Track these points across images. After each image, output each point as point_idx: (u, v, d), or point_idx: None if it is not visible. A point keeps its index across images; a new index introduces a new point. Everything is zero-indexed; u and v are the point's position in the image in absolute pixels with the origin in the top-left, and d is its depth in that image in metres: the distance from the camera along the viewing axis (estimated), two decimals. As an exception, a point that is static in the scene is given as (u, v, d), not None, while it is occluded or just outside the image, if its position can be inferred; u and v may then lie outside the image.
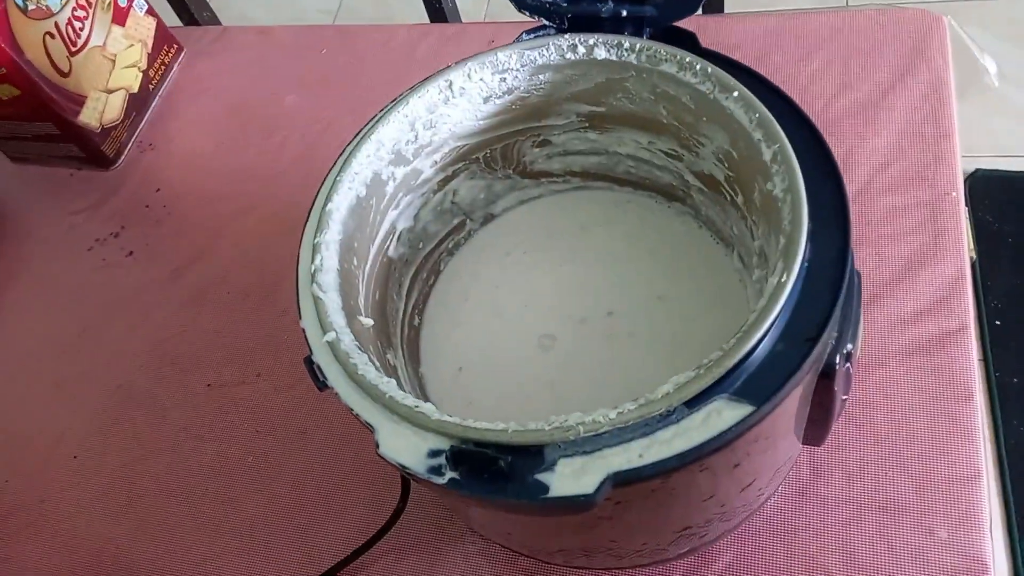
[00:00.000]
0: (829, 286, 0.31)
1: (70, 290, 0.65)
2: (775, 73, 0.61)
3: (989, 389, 1.08)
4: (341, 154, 0.39)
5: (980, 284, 1.15)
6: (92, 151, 0.68)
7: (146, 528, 0.52)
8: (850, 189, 0.54)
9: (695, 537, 0.38)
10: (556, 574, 0.44)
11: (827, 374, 0.32)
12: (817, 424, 0.37)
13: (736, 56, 0.63)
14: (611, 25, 0.38)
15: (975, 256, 1.24)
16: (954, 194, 0.52)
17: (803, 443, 0.39)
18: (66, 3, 0.62)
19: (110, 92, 0.68)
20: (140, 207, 0.69)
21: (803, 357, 0.29)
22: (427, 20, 0.80)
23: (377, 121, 0.38)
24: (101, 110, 0.68)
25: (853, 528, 0.43)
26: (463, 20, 0.82)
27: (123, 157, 0.71)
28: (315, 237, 0.36)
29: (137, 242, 0.67)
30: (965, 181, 1.23)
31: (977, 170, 1.25)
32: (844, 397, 0.37)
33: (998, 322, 1.12)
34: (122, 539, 0.52)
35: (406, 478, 0.43)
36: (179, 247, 0.65)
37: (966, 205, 1.23)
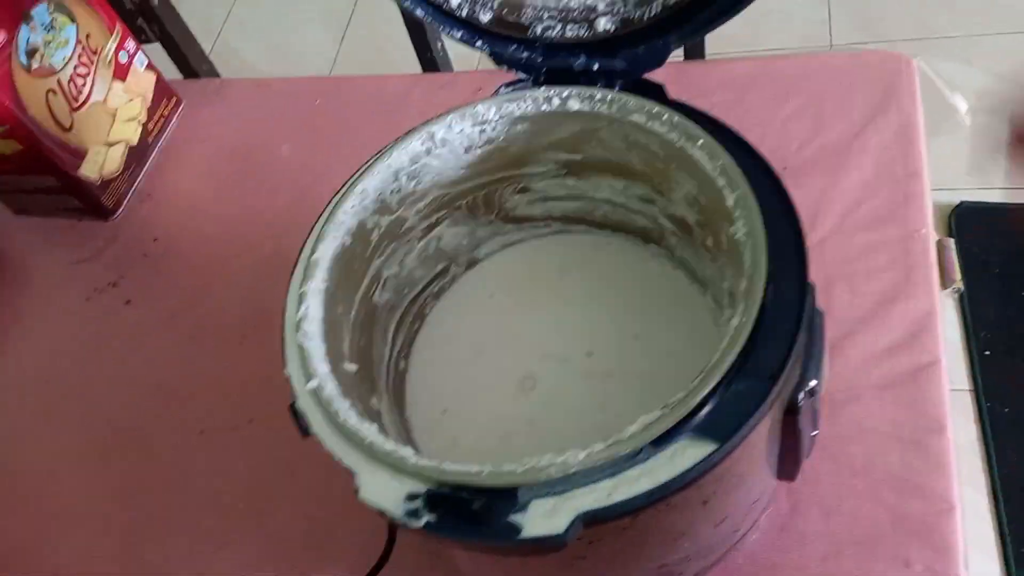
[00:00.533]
0: (789, 326, 0.32)
1: (68, 338, 0.67)
2: (752, 115, 0.63)
3: (980, 419, 1.09)
4: (328, 204, 0.40)
5: (968, 315, 1.16)
6: (92, 203, 0.70)
7: (140, 571, 0.53)
8: (825, 227, 0.56)
9: (674, 575, 0.39)
10: (542, 612, 0.45)
11: (791, 411, 0.34)
12: (788, 459, 0.38)
13: (715, 99, 0.66)
14: (584, 77, 0.40)
15: (962, 287, 1.25)
16: (924, 231, 0.54)
17: (777, 478, 0.40)
18: (68, 61, 0.65)
19: (110, 145, 0.70)
20: (138, 256, 0.71)
21: (764, 395, 0.31)
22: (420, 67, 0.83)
23: (362, 172, 0.40)
24: (101, 163, 0.70)
25: (831, 562, 0.44)
26: (455, 69, 0.85)
27: (122, 207, 0.73)
28: (301, 286, 0.37)
29: (135, 291, 0.68)
30: (951, 213, 1.25)
31: (963, 202, 1.27)
32: (813, 432, 0.38)
33: (987, 352, 1.13)
34: (116, 583, 0.53)
35: (392, 527, 0.44)
36: (175, 293, 0.67)
37: (951, 236, 1.25)
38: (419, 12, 0.40)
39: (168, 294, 0.67)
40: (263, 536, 0.52)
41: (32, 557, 0.55)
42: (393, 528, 0.44)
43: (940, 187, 1.27)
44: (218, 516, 0.54)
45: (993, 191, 1.26)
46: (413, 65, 0.96)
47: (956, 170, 1.28)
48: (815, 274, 0.54)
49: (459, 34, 0.40)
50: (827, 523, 0.45)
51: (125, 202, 0.73)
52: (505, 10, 0.39)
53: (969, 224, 1.25)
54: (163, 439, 0.58)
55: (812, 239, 0.54)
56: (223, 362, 0.61)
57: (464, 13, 0.39)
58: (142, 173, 0.75)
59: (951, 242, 1.31)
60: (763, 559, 0.44)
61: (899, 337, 0.50)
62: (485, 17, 0.39)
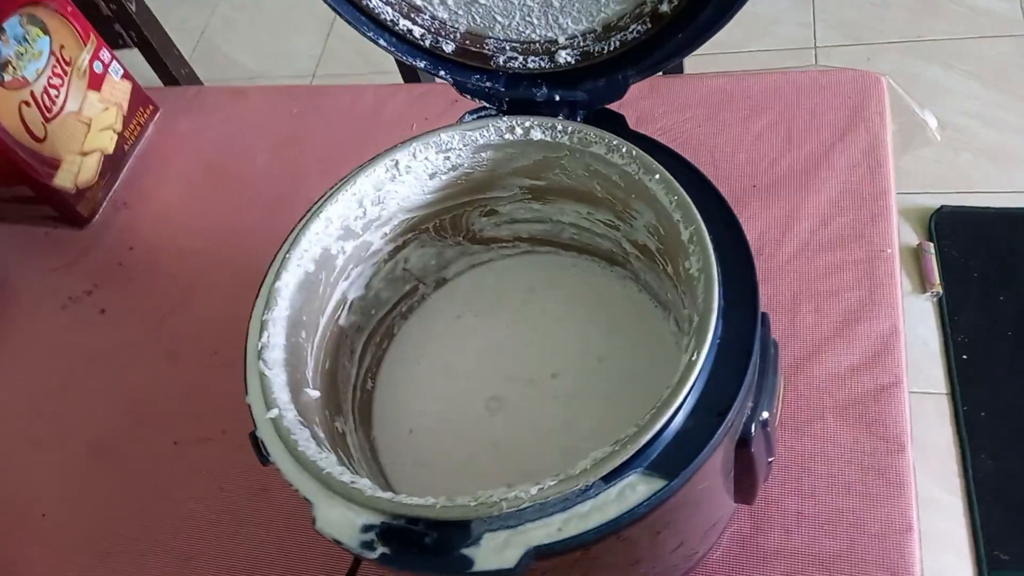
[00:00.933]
0: (739, 362, 0.33)
1: (43, 347, 0.67)
2: (724, 131, 0.64)
3: (956, 422, 1.10)
4: (292, 230, 0.41)
5: (947, 319, 1.17)
6: (67, 211, 0.70)
7: (112, 586, 0.53)
8: (793, 245, 0.57)
9: (632, 597, 0.39)
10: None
11: (743, 443, 0.34)
12: (744, 485, 0.38)
13: (688, 114, 0.66)
14: (547, 107, 0.41)
15: (941, 291, 1.26)
16: (889, 251, 0.54)
17: (736, 502, 0.41)
18: (42, 72, 0.65)
19: (85, 155, 0.70)
20: (113, 265, 0.71)
21: (714, 430, 0.31)
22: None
23: (326, 200, 0.41)
24: (76, 172, 0.70)
25: (791, 580, 0.45)
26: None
27: (98, 216, 0.73)
28: (263, 314, 0.37)
29: (110, 300, 0.68)
30: (931, 217, 1.26)
31: (943, 207, 1.28)
32: (769, 459, 0.39)
33: (964, 356, 1.14)
34: (89, 597, 0.53)
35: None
36: (151, 304, 0.67)
37: (931, 240, 1.26)
38: (382, 43, 0.40)
39: (143, 304, 0.67)
40: (236, 548, 0.53)
41: (6, 572, 0.56)
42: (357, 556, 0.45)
43: (921, 190, 1.28)
44: (190, 529, 0.54)
45: (974, 195, 1.27)
46: (395, 64, 0.96)
47: (937, 173, 1.29)
48: (782, 292, 0.55)
49: (423, 64, 0.41)
50: (787, 541, 0.46)
51: (100, 210, 0.73)
52: (468, 41, 0.39)
53: (949, 228, 1.26)
54: (137, 449, 0.59)
55: (780, 257, 0.55)
56: (197, 373, 0.62)
57: (428, 43, 0.39)
58: (118, 181, 0.75)
59: (931, 246, 1.32)
60: (723, 575, 0.45)
61: (862, 357, 0.51)
62: (448, 47, 0.39)
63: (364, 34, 0.39)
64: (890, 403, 0.49)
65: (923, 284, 1.20)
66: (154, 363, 0.63)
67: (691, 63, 0.83)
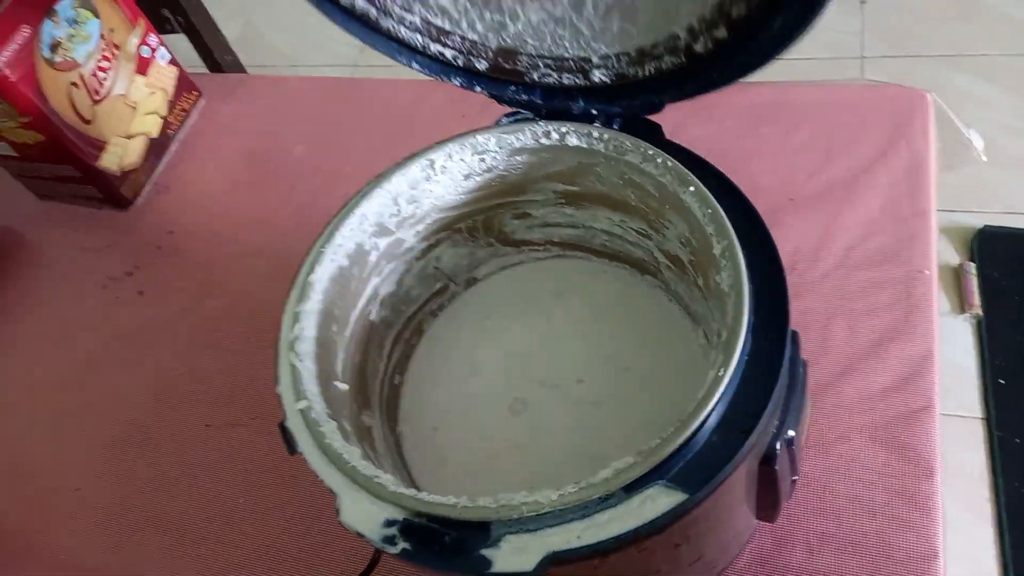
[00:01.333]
0: (767, 379, 0.32)
1: (82, 324, 0.69)
2: (764, 143, 0.63)
3: (991, 448, 1.08)
4: (327, 224, 0.41)
5: (985, 341, 1.15)
6: (111, 193, 0.72)
7: (140, 562, 0.55)
8: (828, 262, 0.56)
9: (647, 607, 0.39)
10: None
11: (768, 460, 0.34)
12: (766, 503, 0.38)
13: (728, 124, 0.66)
14: (584, 116, 0.41)
15: (981, 313, 1.23)
16: (927, 272, 0.53)
17: (758, 519, 0.41)
18: (91, 55, 0.66)
19: (130, 138, 0.72)
20: (153, 248, 0.72)
21: (738, 447, 0.31)
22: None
23: (361, 196, 0.41)
24: (121, 155, 0.71)
25: (810, 600, 0.44)
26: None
27: (140, 198, 0.75)
28: (296, 306, 0.38)
29: (148, 282, 0.70)
30: (973, 237, 1.23)
31: (986, 227, 1.25)
32: (793, 478, 0.39)
33: (1001, 380, 1.12)
34: (117, 571, 0.55)
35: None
36: (187, 288, 0.68)
37: (972, 261, 1.23)
38: (415, 66, 0.40)
39: (180, 288, 0.69)
40: (261, 533, 0.54)
41: (36, 541, 0.57)
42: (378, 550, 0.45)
43: (964, 209, 1.26)
44: (216, 510, 0.55)
45: (1018, 216, 1.24)
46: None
47: (980, 193, 1.26)
48: (816, 308, 0.54)
49: (457, 82, 0.41)
50: (809, 560, 0.46)
51: (143, 193, 0.75)
52: (501, 58, 0.39)
53: (991, 249, 1.23)
54: (168, 429, 0.60)
55: (814, 273, 0.55)
56: (230, 358, 0.63)
57: (461, 63, 0.39)
58: (160, 166, 0.76)
59: (972, 267, 1.30)
60: (741, 593, 0.45)
61: (894, 379, 0.50)
62: (481, 66, 0.39)
63: (396, 59, 0.40)
64: (921, 427, 0.48)
65: (962, 305, 1.18)
66: (189, 346, 0.64)
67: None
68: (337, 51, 1.61)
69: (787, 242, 0.57)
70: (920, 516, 0.45)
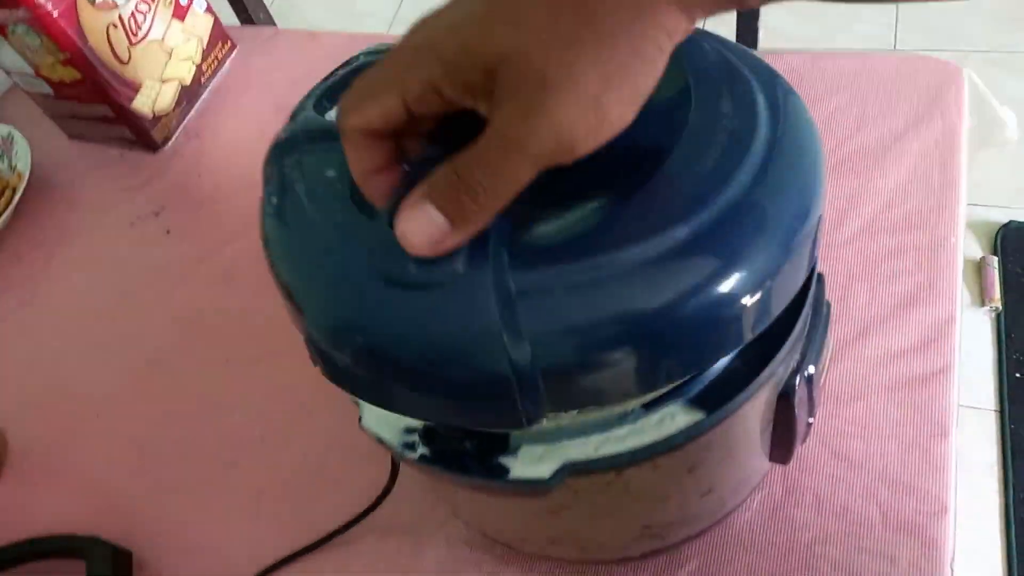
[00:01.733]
0: (790, 311, 0.33)
1: (110, 260, 0.70)
2: (793, 109, 0.63)
3: (1002, 441, 1.07)
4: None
5: (1003, 335, 1.14)
6: (143, 135, 0.73)
7: (159, 486, 0.56)
8: (853, 227, 0.56)
9: (657, 539, 0.40)
10: (530, 563, 0.47)
11: (786, 394, 0.34)
12: (781, 443, 0.38)
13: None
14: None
15: (1000, 307, 1.22)
16: (953, 240, 0.53)
17: (770, 460, 0.41)
18: (131, -3, 0.67)
19: (164, 82, 0.73)
20: (181, 190, 0.73)
21: (756, 373, 0.31)
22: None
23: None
24: (154, 98, 0.72)
25: (818, 549, 0.44)
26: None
27: (171, 143, 0.76)
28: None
29: (175, 222, 0.71)
30: (997, 232, 1.22)
31: (1011, 222, 1.24)
32: (809, 420, 0.39)
33: (1018, 375, 1.11)
34: (137, 493, 0.56)
35: (395, 461, 0.46)
36: (213, 230, 0.69)
37: (995, 254, 1.22)
38: None
39: (205, 229, 0.70)
40: (276, 463, 0.55)
41: (65, 461, 0.59)
42: (396, 464, 0.46)
43: (990, 204, 1.25)
44: (234, 439, 0.56)
45: (1045, 212, 1.23)
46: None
47: (1008, 188, 1.25)
48: (838, 271, 0.54)
49: None
50: (818, 512, 0.46)
51: (173, 138, 0.76)
52: None
53: (1015, 244, 1.22)
54: (189, 362, 0.61)
55: (838, 237, 0.55)
56: (251, 297, 0.64)
57: None
58: (192, 112, 0.77)
59: (994, 260, 1.28)
60: (750, 537, 0.45)
61: (914, 341, 0.50)
62: None
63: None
64: (939, 388, 0.48)
65: (982, 298, 1.17)
66: (212, 284, 0.65)
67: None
68: (367, 24, 1.62)
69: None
70: (933, 473, 0.45)
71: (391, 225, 0.25)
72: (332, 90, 0.36)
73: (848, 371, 0.50)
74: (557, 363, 0.25)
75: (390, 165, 0.27)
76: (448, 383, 0.26)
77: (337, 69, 0.37)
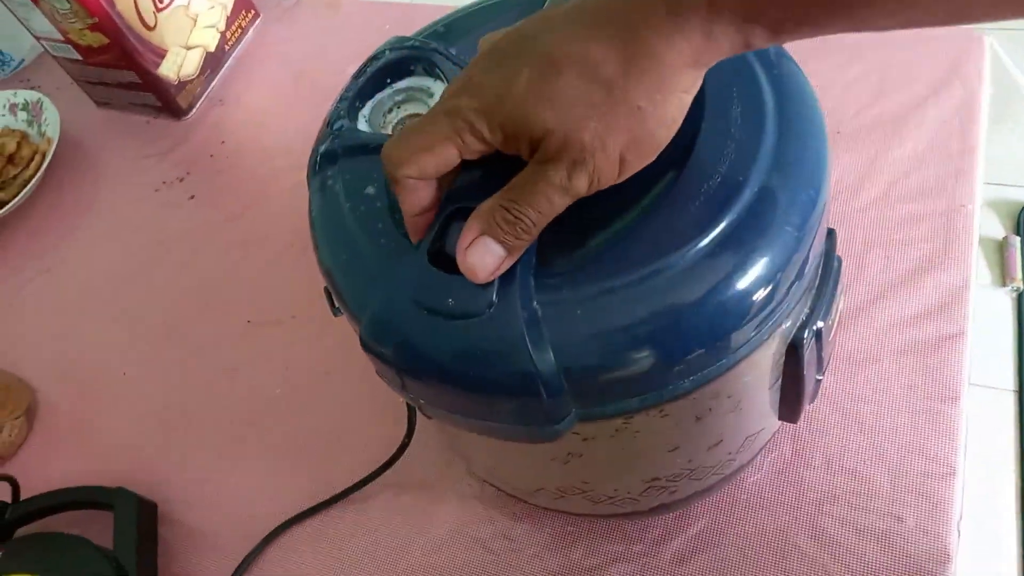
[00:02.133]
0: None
1: (135, 225, 0.72)
2: (812, 79, 0.63)
3: (1020, 421, 1.07)
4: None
5: (1023, 316, 1.13)
6: (168, 102, 0.74)
7: (180, 444, 0.57)
8: (870, 194, 0.56)
9: (665, 492, 0.40)
10: (542, 519, 0.48)
11: (794, 347, 0.35)
12: (790, 399, 0.39)
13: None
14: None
15: (1022, 287, 1.21)
16: (969, 206, 0.53)
17: (780, 418, 0.42)
18: (157, -38, 0.68)
19: (189, 49, 0.74)
20: (206, 156, 0.75)
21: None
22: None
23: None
24: (179, 64, 0.73)
25: (825, 508, 0.45)
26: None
27: (195, 109, 0.77)
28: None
29: (199, 188, 0.72)
30: (1021, 211, 1.21)
31: (1034, 202, 1.22)
32: (818, 377, 0.39)
33: (1039, 360, 1.10)
34: (161, 450, 0.58)
35: (412, 417, 0.47)
36: (236, 195, 0.71)
37: (1017, 234, 1.20)
38: None
39: (229, 194, 0.71)
40: (295, 422, 0.56)
41: (90, 423, 0.60)
42: (412, 420, 0.47)
43: (1012, 183, 1.23)
44: (255, 400, 0.58)
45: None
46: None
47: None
48: (855, 237, 0.54)
49: None
50: (827, 472, 0.46)
51: (198, 105, 0.77)
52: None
53: (1039, 226, 1.21)
54: (210, 324, 0.63)
55: (855, 204, 0.55)
56: (271, 261, 0.65)
57: None
58: (216, 79, 0.78)
59: (1016, 240, 1.27)
60: (758, 496, 0.46)
61: (928, 306, 0.50)
62: None
63: None
64: (951, 353, 0.48)
65: (1003, 278, 1.16)
66: (234, 248, 0.67)
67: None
68: None
69: (831, 173, 0.57)
70: (943, 436, 0.46)
71: (430, 258, 0.30)
72: (363, 90, 0.39)
73: (862, 335, 0.50)
74: (578, 365, 0.29)
75: (436, 203, 0.30)
76: (486, 393, 0.30)
77: (364, 66, 0.39)
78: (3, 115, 0.78)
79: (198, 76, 0.76)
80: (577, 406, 0.31)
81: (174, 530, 0.53)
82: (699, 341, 0.29)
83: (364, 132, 0.37)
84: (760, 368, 0.34)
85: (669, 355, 0.29)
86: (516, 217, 0.28)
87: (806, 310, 0.35)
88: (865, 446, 0.47)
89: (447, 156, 0.28)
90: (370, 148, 0.36)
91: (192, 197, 0.72)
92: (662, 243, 0.30)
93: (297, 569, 0.50)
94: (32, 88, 0.80)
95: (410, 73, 0.39)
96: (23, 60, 0.87)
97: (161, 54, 0.71)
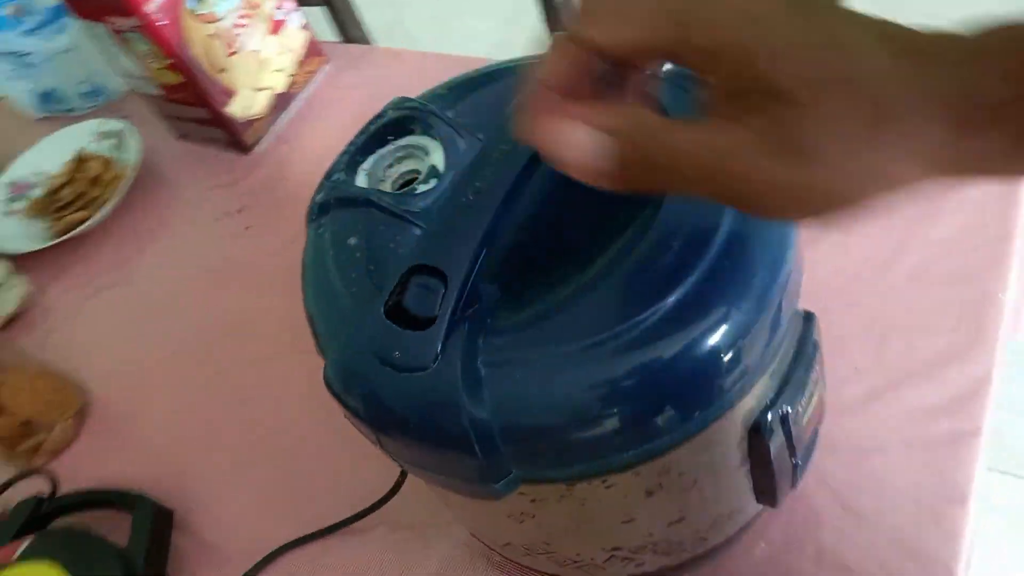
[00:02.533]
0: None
1: (195, 250, 0.77)
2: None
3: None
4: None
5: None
6: (235, 137, 0.80)
7: (201, 459, 0.61)
8: (898, 274, 0.54)
9: (631, 563, 0.40)
10: (521, 572, 0.47)
11: (757, 430, 0.34)
12: (763, 484, 0.38)
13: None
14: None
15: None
16: (1002, 296, 0.50)
17: (758, 502, 0.40)
18: (231, 12, 0.73)
19: (258, 90, 0.79)
20: (266, 191, 0.79)
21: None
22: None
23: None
24: (248, 105, 0.79)
25: (809, 603, 0.43)
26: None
27: (259, 146, 0.82)
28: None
29: (256, 219, 0.77)
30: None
31: None
32: (795, 462, 0.38)
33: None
34: (184, 460, 0.61)
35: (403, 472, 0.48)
36: (288, 228, 0.74)
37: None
38: None
39: (283, 228, 0.75)
40: (307, 450, 0.58)
41: (125, 424, 0.65)
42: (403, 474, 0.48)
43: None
44: (273, 425, 0.61)
45: None
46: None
47: None
48: (875, 318, 0.52)
49: None
50: (817, 566, 0.44)
51: (263, 142, 0.82)
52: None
53: None
54: (244, 353, 0.66)
55: (881, 284, 0.53)
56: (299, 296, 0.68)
57: None
58: (283, 120, 0.83)
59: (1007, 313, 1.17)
60: (741, 582, 0.44)
61: (945, 398, 0.48)
62: None
63: None
64: (964, 451, 0.45)
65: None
66: (284, 276, 0.70)
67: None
68: (471, 47, 1.68)
69: (858, 249, 0.55)
70: (945, 542, 0.43)
71: (387, 311, 0.31)
72: (365, 146, 0.41)
73: (870, 422, 0.48)
74: (514, 426, 0.30)
75: (571, 92, 0.25)
76: (430, 445, 0.31)
77: (369, 124, 0.41)
78: (92, 141, 0.85)
79: (265, 116, 0.81)
80: (519, 468, 0.31)
81: (187, 538, 0.57)
82: (633, 417, 0.29)
83: (355, 186, 0.39)
84: (719, 448, 0.34)
85: (602, 426, 0.29)
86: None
87: (771, 394, 0.34)
88: (861, 542, 0.44)
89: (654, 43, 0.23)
90: (359, 201, 0.38)
91: (248, 228, 0.76)
92: (608, 313, 0.30)
93: (291, 593, 0.52)
94: (122, 118, 0.87)
95: (410, 132, 0.41)
96: (115, 93, 0.95)
97: (230, 94, 0.76)
